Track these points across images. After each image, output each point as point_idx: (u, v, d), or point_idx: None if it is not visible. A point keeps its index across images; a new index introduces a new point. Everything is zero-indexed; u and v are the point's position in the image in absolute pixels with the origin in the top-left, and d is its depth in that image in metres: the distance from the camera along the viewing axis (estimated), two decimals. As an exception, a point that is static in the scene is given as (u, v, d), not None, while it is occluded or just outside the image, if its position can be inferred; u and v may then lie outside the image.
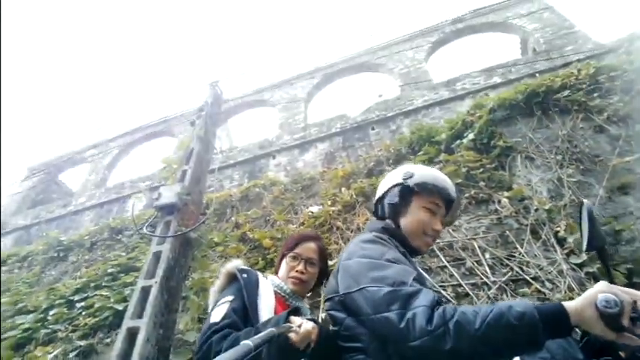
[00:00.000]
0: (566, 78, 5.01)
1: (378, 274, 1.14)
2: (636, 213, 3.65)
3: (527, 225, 3.67)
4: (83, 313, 4.52)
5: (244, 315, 1.37)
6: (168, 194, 3.90)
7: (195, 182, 4.29)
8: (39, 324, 4.53)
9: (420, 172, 1.54)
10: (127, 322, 3.11)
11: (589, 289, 0.89)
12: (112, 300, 4.43)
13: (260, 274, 1.59)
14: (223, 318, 1.32)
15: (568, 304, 0.88)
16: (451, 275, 3.41)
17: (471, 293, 3.16)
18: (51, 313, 4.67)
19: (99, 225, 7.16)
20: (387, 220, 1.52)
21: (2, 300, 5.19)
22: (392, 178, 1.60)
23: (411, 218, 1.47)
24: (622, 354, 0.96)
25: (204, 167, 4.72)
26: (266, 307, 1.42)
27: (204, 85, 5.79)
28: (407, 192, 1.50)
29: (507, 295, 3.05)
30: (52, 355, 3.90)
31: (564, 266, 3.15)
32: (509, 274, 3.22)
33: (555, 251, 3.34)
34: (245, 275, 1.51)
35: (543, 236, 3.51)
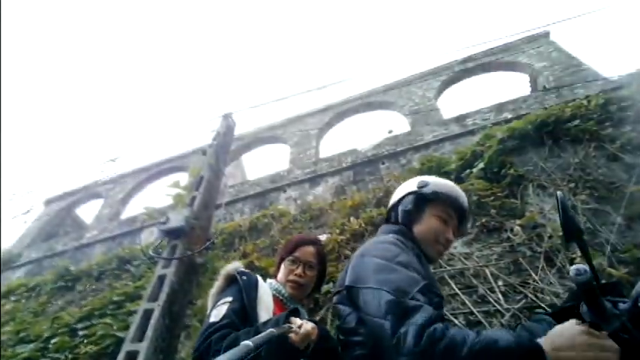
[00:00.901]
0: (575, 109, 5.02)
1: (384, 277, 1.15)
2: (656, 242, 3.49)
3: (540, 252, 3.54)
4: (85, 341, 4.43)
5: (243, 316, 1.36)
6: (176, 218, 3.92)
7: (203, 208, 4.31)
8: (39, 353, 4.44)
9: (435, 182, 1.59)
10: (127, 346, 3.02)
11: (563, 326, 0.92)
12: (114, 327, 4.35)
13: (259, 278, 1.57)
14: (222, 318, 1.32)
15: (545, 342, 0.91)
16: (463, 303, 3.27)
17: (483, 321, 3.01)
18: (52, 341, 4.59)
19: (108, 255, 7.17)
20: (401, 226, 1.55)
21: (6, 329, 5.14)
22: (407, 186, 1.65)
23: (425, 226, 1.50)
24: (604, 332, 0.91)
25: (214, 195, 4.76)
26: (264, 310, 1.41)
27: (218, 118, 5.99)
28: (421, 200, 1.54)
29: (522, 323, 2.89)
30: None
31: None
32: (524, 301, 3.07)
33: (573, 279, 3.18)
34: (244, 277, 1.50)
35: (558, 263, 3.37)
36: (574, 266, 0.87)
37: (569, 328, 0.89)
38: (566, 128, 4.78)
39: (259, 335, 0.88)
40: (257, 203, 8.40)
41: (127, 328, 4.27)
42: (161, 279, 3.48)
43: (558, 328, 0.92)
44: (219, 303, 1.40)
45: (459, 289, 3.39)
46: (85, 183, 8.75)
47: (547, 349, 0.88)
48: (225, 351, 1.12)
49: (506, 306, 3.05)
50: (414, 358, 0.96)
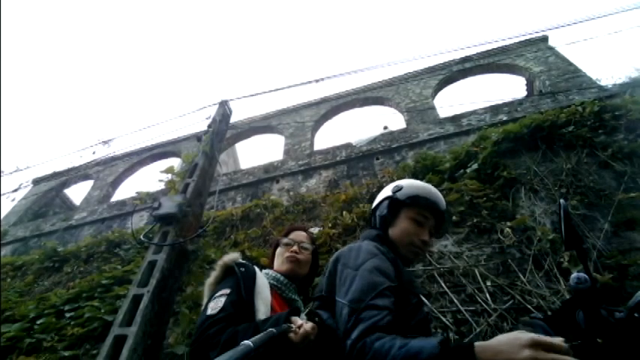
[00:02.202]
0: (570, 114, 5.07)
1: (347, 288, 1.22)
2: (642, 249, 3.57)
3: (529, 255, 3.60)
4: (72, 323, 4.39)
5: (241, 309, 1.35)
6: (169, 204, 3.90)
7: (196, 195, 4.29)
8: (24, 333, 4.39)
9: (409, 185, 1.62)
10: (115, 330, 3.02)
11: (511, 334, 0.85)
12: (102, 311, 4.32)
13: (257, 269, 1.57)
14: (220, 311, 1.30)
15: (481, 344, 0.85)
16: (451, 301, 3.31)
17: (470, 320, 3.06)
18: (38, 322, 4.54)
19: (97, 238, 7.10)
20: (378, 231, 1.59)
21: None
22: (384, 191, 1.70)
23: (398, 229, 1.54)
24: (599, 340, 0.93)
25: (207, 182, 4.74)
26: (262, 302, 1.40)
27: (214, 105, 5.93)
28: (396, 204, 1.59)
29: (508, 324, 2.95)
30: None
31: (568, 297, 3.05)
32: (511, 302, 3.12)
33: (558, 282, 3.25)
34: (243, 269, 1.49)
35: (546, 266, 3.44)
36: (575, 274, 0.89)
37: (516, 338, 0.82)
38: (561, 133, 4.84)
39: (259, 335, 0.89)
40: (249, 192, 8.38)
41: (114, 311, 4.27)
42: (151, 264, 3.47)
43: (504, 336, 0.86)
44: (216, 295, 1.39)
45: (448, 288, 3.43)
46: (76, 164, 8.61)
47: (485, 355, 0.82)
48: (223, 345, 1.14)
49: (493, 306, 3.11)
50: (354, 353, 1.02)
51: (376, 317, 1.07)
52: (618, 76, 7.76)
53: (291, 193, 7.84)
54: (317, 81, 5.08)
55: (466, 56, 10.08)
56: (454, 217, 4.33)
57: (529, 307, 3.04)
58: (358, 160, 8.28)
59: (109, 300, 4.55)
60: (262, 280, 1.49)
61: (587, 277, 0.90)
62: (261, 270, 1.60)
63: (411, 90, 10.04)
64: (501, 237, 3.93)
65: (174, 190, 4.31)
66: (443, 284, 3.50)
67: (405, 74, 10.48)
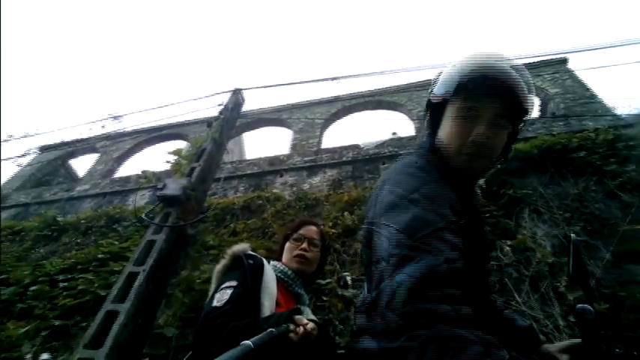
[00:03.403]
0: (583, 140, 5.04)
1: (391, 219, 0.93)
2: (642, 282, 3.55)
3: (527, 276, 3.58)
4: (64, 293, 4.42)
5: (246, 302, 1.36)
6: (174, 186, 3.90)
7: (201, 180, 4.30)
8: (17, 297, 4.43)
9: (444, 76, 1.14)
10: (108, 305, 3.03)
11: None
12: (95, 285, 4.34)
13: (265, 261, 1.58)
14: (225, 304, 1.32)
15: None
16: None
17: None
18: (32, 288, 4.57)
19: (97, 212, 7.13)
20: (431, 141, 1.19)
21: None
22: None
23: (443, 135, 1.14)
24: None
25: (213, 168, 4.75)
26: (268, 297, 1.41)
27: (227, 93, 5.93)
28: (435, 105, 1.17)
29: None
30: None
31: (561, 322, 3.05)
32: (504, 321, 3.11)
33: (553, 306, 3.24)
34: (251, 261, 1.50)
35: (542, 289, 3.43)
36: (581, 305, 0.88)
37: None
38: (571, 158, 4.82)
39: (259, 335, 0.90)
40: (252, 183, 8.38)
41: (108, 286, 4.29)
42: (150, 244, 3.48)
43: None
44: (223, 286, 1.40)
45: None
46: (85, 136, 8.64)
47: None
48: (223, 341, 1.16)
49: (486, 323, 3.10)
50: (382, 324, 0.76)
51: (434, 261, 0.79)
52: (635, 106, 7.69)
53: (295, 188, 7.84)
54: (334, 79, 5.07)
55: (483, 70, 10.02)
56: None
57: (522, 328, 3.03)
58: (364, 163, 8.26)
59: (104, 274, 4.57)
60: (270, 273, 1.50)
61: (592, 309, 0.89)
62: (269, 262, 1.60)
63: (424, 98, 9.99)
64: (501, 255, 3.92)
65: (179, 172, 4.31)
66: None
67: (420, 81, 10.43)
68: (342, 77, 5.16)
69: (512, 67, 1.05)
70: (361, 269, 4.12)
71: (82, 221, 6.74)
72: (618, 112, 7.69)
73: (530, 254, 3.81)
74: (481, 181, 4.97)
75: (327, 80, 5.20)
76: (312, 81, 5.36)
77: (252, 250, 1.60)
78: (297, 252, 1.66)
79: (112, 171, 10.29)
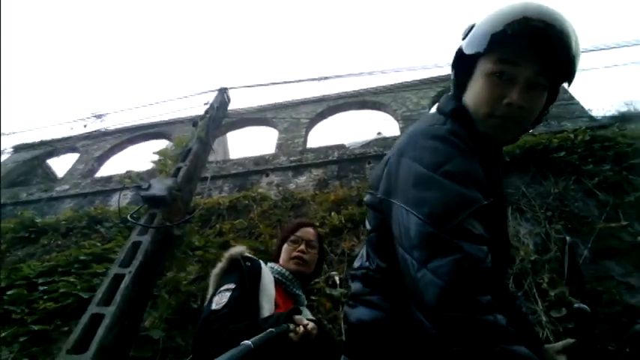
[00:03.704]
0: (563, 140, 5.20)
1: (420, 195, 0.80)
2: (618, 278, 3.69)
3: (511, 274, 3.67)
4: (45, 297, 4.30)
5: (245, 305, 1.36)
6: (159, 187, 3.84)
7: (187, 180, 4.25)
8: (-7, 302, 4.28)
9: (485, 20, 0.93)
10: (93, 308, 2.97)
11: None
12: (78, 287, 4.23)
13: (263, 263, 1.58)
14: (224, 307, 1.32)
15: None
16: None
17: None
18: (8, 293, 4.42)
19: (79, 212, 6.94)
20: (457, 103, 1.03)
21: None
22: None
23: (471, 95, 0.99)
24: None
25: (199, 168, 4.70)
26: (266, 299, 1.42)
27: (213, 92, 5.87)
28: (468, 57, 0.98)
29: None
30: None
31: (544, 318, 3.14)
32: (490, 317, 3.18)
33: (536, 302, 3.33)
34: (249, 264, 1.51)
35: (526, 286, 3.52)
36: (578, 305, 0.91)
37: None
38: (552, 158, 4.95)
39: (259, 335, 0.90)
40: (237, 183, 8.31)
41: (91, 289, 4.20)
42: (135, 245, 3.43)
43: None
44: (221, 289, 1.40)
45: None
46: (65, 134, 8.40)
47: None
48: (223, 343, 1.16)
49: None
50: (430, 318, 0.67)
51: (477, 252, 0.69)
52: (608, 108, 7.93)
53: (280, 188, 7.82)
54: (321, 79, 5.07)
55: (466, 72, 10.20)
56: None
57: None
58: (350, 163, 8.29)
59: (86, 277, 4.47)
60: (268, 275, 1.50)
61: (588, 308, 0.93)
62: (266, 263, 1.61)
63: (408, 99, 10.11)
64: (485, 253, 4.00)
65: (165, 172, 4.25)
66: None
67: (404, 82, 10.54)
68: (331, 77, 5.18)
69: (564, 20, 0.85)
70: (349, 269, 4.14)
71: (63, 222, 6.55)
72: (594, 113, 7.96)
73: (513, 252, 3.91)
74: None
75: (315, 80, 5.20)
76: (299, 81, 5.37)
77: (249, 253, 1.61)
78: (295, 254, 1.68)
79: (93, 171, 10.04)
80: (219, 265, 1.56)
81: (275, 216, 5.65)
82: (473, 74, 0.98)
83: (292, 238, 1.75)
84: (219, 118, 5.47)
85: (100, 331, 2.80)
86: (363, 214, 5.05)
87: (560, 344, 1.08)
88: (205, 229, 5.66)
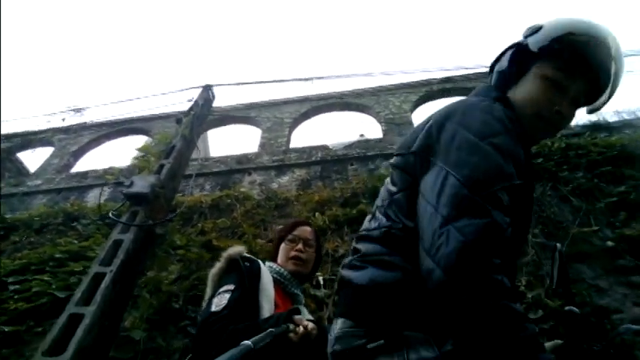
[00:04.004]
0: (541, 147, 5.38)
1: (462, 158, 0.82)
2: (588, 280, 3.86)
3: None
4: (16, 297, 4.13)
5: (244, 306, 1.36)
6: (142, 183, 3.77)
7: (170, 178, 4.19)
8: (-41, 302, 4.09)
9: (553, 25, 0.99)
10: (71, 308, 2.89)
11: None
12: (53, 286, 4.09)
13: (261, 263, 1.58)
14: (224, 308, 1.31)
15: None
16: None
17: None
18: (-24, 292, 4.23)
19: (54, 208, 6.70)
20: (497, 92, 1.09)
21: None
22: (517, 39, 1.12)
23: (522, 92, 1.03)
24: None
25: (183, 166, 4.63)
26: (266, 299, 1.41)
27: (196, 88, 5.79)
28: (524, 56, 1.04)
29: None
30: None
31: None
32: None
33: (514, 304, 3.44)
34: (248, 264, 1.50)
35: (505, 288, 3.62)
36: (568, 307, 0.97)
37: None
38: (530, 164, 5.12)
39: (259, 335, 0.90)
40: (219, 182, 8.22)
41: (67, 287, 4.07)
42: (117, 244, 3.35)
43: None
44: (221, 290, 1.39)
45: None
46: (38, 128, 8.09)
47: None
48: (223, 344, 1.14)
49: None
50: (445, 282, 0.70)
51: (502, 221, 0.74)
52: (580, 117, 8.27)
53: (263, 187, 7.78)
54: (307, 80, 5.08)
55: (448, 77, 10.41)
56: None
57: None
58: (333, 164, 8.33)
59: (62, 275, 4.32)
60: (267, 275, 1.50)
61: (577, 310, 0.98)
62: (264, 263, 1.60)
63: (391, 102, 10.23)
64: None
65: (147, 169, 4.17)
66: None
67: (388, 85, 10.65)
68: (316, 78, 5.19)
69: (621, 55, 0.92)
70: (333, 269, 4.17)
71: (36, 218, 6.30)
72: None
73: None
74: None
75: (301, 80, 5.20)
76: (285, 80, 5.37)
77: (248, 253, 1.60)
78: (292, 253, 1.68)
79: (69, 166, 9.72)
80: (218, 265, 1.55)
81: (259, 215, 5.62)
82: (527, 72, 1.04)
83: (290, 237, 1.75)
84: (204, 115, 5.40)
85: (79, 332, 2.72)
86: (347, 215, 5.10)
87: (549, 345, 1.13)
88: (187, 227, 5.58)
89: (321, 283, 3.88)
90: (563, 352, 1.06)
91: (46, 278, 4.30)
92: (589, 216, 4.52)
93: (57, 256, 4.66)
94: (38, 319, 3.94)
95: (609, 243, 4.14)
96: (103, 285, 3.00)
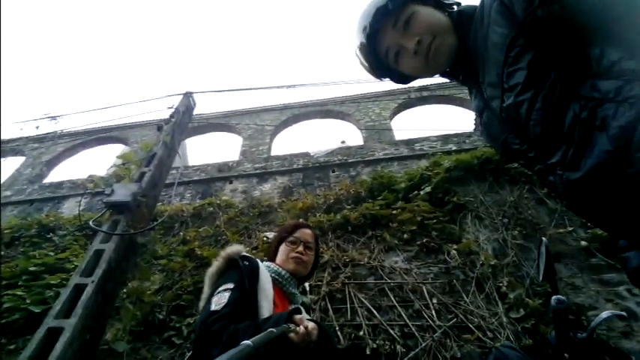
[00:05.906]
0: (516, 152, 5.57)
1: None
2: (565, 279, 3.99)
3: (472, 277, 3.87)
4: (-14, 313, 3.94)
5: (244, 305, 1.34)
6: (123, 192, 3.70)
7: (152, 186, 4.12)
8: None
9: None
10: (49, 322, 2.79)
11: None
12: (27, 301, 3.92)
13: (260, 263, 1.56)
14: (224, 307, 1.30)
15: None
16: (399, 315, 3.46)
17: (416, 334, 3.21)
18: (-57, 310, 4.01)
19: (27, 220, 6.44)
20: None
21: None
22: None
23: None
24: (566, 355, 1.08)
25: (164, 174, 4.56)
26: (265, 298, 1.40)
27: (177, 96, 5.73)
28: None
29: (451, 340, 3.13)
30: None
31: (504, 319, 3.33)
32: (454, 320, 3.33)
33: (497, 304, 3.52)
34: (247, 263, 1.48)
35: (487, 289, 3.71)
36: (556, 296, 1.02)
37: None
38: (507, 168, 5.29)
39: (259, 335, 0.89)
40: (200, 190, 8.12)
41: (43, 302, 3.92)
42: (98, 254, 3.26)
43: None
44: (220, 289, 1.37)
45: (397, 302, 3.59)
46: (7, 136, 7.80)
47: None
48: (224, 344, 1.14)
49: (438, 323, 3.30)
50: None
51: None
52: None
53: (245, 195, 7.73)
54: (288, 87, 5.11)
55: (425, 85, 10.66)
56: (405, 235, 4.56)
57: (471, 326, 3.27)
58: (315, 170, 8.36)
59: (37, 289, 4.14)
60: (265, 275, 1.49)
61: (565, 299, 1.03)
62: (262, 261, 1.60)
63: (371, 109, 10.38)
64: (448, 258, 4.19)
65: (128, 177, 4.08)
66: (392, 298, 3.65)
67: (367, 93, 10.82)
68: (298, 85, 5.22)
69: None
70: (318, 275, 4.17)
71: (7, 231, 6.05)
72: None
73: (474, 257, 4.12)
74: (428, 189, 5.28)
75: (282, 88, 5.22)
76: (267, 87, 5.38)
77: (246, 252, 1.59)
78: (293, 254, 1.67)
79: (42, 176, 9.39)
80: (216, 264, 1.53)
81: (242, 223, 5.57)
82: None
83: (290, 238, 1.74)
84: (185, 122, 5.34)
85: (59, 346, 2.62)
86: (331, 222, 5.13)
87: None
88: (168, 237, 5.47)
89: (307, 289, 3.86)
90: (551, 340, 1.11)
91: (19, 293, 4.11)
92: (564, 217, 4.68)
93: (31, 269, 4.47)
94: (11, 336, 3.77)
95: (583, 243, 4.30)
96: (84, 296, 2.91)
